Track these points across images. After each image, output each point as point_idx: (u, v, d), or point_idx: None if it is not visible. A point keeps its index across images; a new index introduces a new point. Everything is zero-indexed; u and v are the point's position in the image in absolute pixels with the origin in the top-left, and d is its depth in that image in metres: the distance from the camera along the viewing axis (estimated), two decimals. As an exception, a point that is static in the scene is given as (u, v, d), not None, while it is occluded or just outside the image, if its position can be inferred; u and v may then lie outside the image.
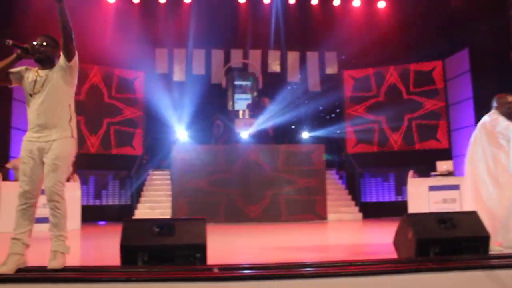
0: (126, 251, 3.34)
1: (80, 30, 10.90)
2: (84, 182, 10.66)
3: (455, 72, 11.90)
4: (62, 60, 3.52)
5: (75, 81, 3.65)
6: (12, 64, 3.53)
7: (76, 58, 3.55)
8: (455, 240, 3.70)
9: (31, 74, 3.55)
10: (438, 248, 3.65)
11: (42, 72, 3.53)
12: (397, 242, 3.95)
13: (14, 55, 3.49)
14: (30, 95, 3.49)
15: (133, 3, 13.13)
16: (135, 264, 3.33)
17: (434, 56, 12.30)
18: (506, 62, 10.99)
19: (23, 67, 3.60)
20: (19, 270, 3.25)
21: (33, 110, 3.47)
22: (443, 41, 12.30)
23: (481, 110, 10.90)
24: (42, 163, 3.42)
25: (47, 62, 3.56)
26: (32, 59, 3.55)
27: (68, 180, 8.55)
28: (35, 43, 3.53)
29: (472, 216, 3.90)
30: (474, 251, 3.70)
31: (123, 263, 3.33)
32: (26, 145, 3.47)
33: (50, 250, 3.34)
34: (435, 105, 12.18)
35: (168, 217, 9.86)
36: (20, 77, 3.57)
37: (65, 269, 3.29)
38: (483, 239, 3.77)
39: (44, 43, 3.55)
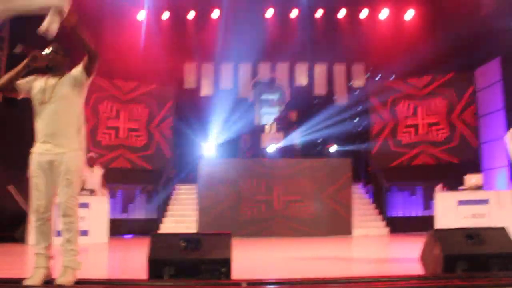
0: (154, 264, 3.40)
1: (110, 47, 11.31)
2: (112, 195, 10.86)
3: (486, 83, 11.69)
4: (79, 73, 3.50)
5: (85, 93, 3.61)
6: (20, 74, 3.44)
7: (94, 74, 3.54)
8: (483, 256, 3.64)
9: (40, 82, 3.49)
10: (465, 264, 3.59)
11: (52, 81, 3.48)
12: (424, 258, 3.91)
13: (22, 64, 3.42)
14: (40, 104, 3.44)
15: (162, 19, 13.41)
16: (162, 277, 3.39)
17: (464, 66, 12.12)
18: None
19: (32, 77, 3.54)
20: (46, 282, 3.33)
21: (43, 119, 3.42)
22: (474, 51, 12.12)
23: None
24: (53, 175, 3.39)
25: (57, 70, 3.52)
26: (41, 68, 3.49)
27: (94, 193, 8.80)
28: (45, 51, 3.49)
29: (501, 232, 3.83)
30: (502, 268, 3.63)
31: (150, 277, 3.40)
32: (35, 158, 3.43)
33: (62, 265, 3.34)
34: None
35: (194, 231, 9.93)
36: (29, 87, 3.51)
37: (92, 282, 3.35)
38: (512, 255, 3.69)
39: (55, 51, 3.52)
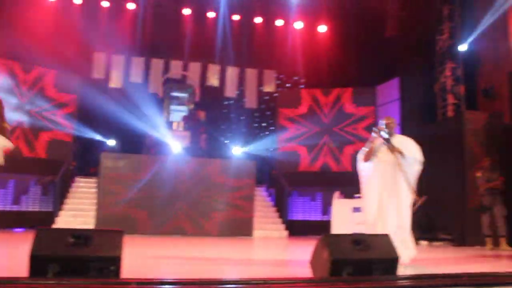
0: (36, 261, 3.20)
1: (14, 25, 10.59)
2: (1, 185, 10.12)
3: (386, 99, 12.47)
4: None
5: None
6: None
7: None
8: (367, 261, 3.85)
9: None
10: (351, 268, 3.77)
11: None
12: (313, 262, 4.05)
13: None
14: None
15: (74, 4, 12.78)
16: (45, 275, 3.20)
17: (368, 82, 12.84)
18: (430, 92, 11.70)
19: None
20: None
21: None
22: (377, 69, 12.91)
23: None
24: None
25: None
26: None
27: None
28: None
29: (385, 238, 4.08)
30: (384, 272, 3.87)
31: (32, 275, 3.19)
32: None
33: None
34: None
35: (92, 227, 9.55)
36: None
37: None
38: (393, 260, 3.94)
39: None
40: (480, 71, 11.74)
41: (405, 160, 5.21)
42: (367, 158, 5.39)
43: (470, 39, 11.50)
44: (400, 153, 5.19)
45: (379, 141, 5.38)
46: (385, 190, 5.23)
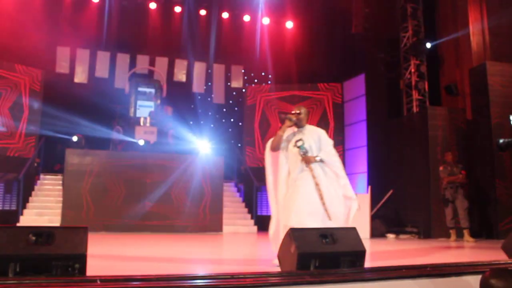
0: (-5, 261, 3.10)
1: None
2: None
3: (352, 95, 12.62)
4: None
5: None
6: None
7: None
8: (334, 254, 3.89)
9: None
10: (318, 262, 3.81)
11: None
12: (281, 256, 4.07)
13: None
14: None
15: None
16: (6, 275, 3.10)
17: (335, 78, 12.97)
18: (395, 88, 11.93)
19: None
20: None
21: None
22: (344, 65, 13.06)
23: (373, 131, 11.76)
24: None
25: None
26: None
27: None
28: None
29: (352, 231, 4.13)
30: (351, 264, 3.92)
31: (-9, 274, 3.09)
32: None
33: None
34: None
35: (57, 224, 9.34)
36: None
37: None
38: (360, 253, 4.00)
39: None
40: (443, 68, 12.04)
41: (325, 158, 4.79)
42: (274, 147, 4.96)
43: (433, 37, 11.79)
44: (316, 161, 4.75)
45: (289, 130, 4.96)
46: (291, 183, 4.79)
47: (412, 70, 11.66)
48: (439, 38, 11.97)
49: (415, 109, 11.46)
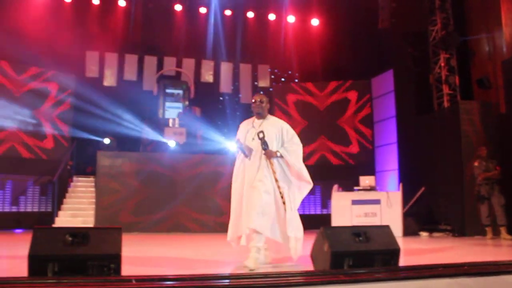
0: (35, 261, 3.17)
1: (7, 28, 10.49)
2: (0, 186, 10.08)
3: (380, 91, 12.44)
4: None
5: None
6: None
7: None
8: (368, 253, 3.84)
9: None
10: (351, 260, 3.76)
11: None
12: (314, 255, 4.05)
13: None
14: None
15: (64, 2, 12.69)
16: (45, 275, 3.17)
17: (362, 74, 12.81)
18: (424, 83, 11.70)
19: None
20: None
21: None
22: (371, 61, 12.87)
23: (403, 127, 11.57)
24: None
25: None
26: None
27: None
28: None
29: (385, 229, 4.07)
30: (385, 263, 3.86)
31: (31, 274, 3.16)
32: None
33: None
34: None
35: (91, 225, 9.52)
36: None
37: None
38: (394, 251, 3.93)
39: None
40: (474, 61, 11.75)
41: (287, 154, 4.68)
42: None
43: (462, 29, 11.51)
44: (277, 156, 4.65)
45: (249, 121, 4.84)
46: (248, 178, 4.65)
47: (442, 64, 11.40)
48: (468, 30, 11.67)
49: (446, 104, 11.20)
